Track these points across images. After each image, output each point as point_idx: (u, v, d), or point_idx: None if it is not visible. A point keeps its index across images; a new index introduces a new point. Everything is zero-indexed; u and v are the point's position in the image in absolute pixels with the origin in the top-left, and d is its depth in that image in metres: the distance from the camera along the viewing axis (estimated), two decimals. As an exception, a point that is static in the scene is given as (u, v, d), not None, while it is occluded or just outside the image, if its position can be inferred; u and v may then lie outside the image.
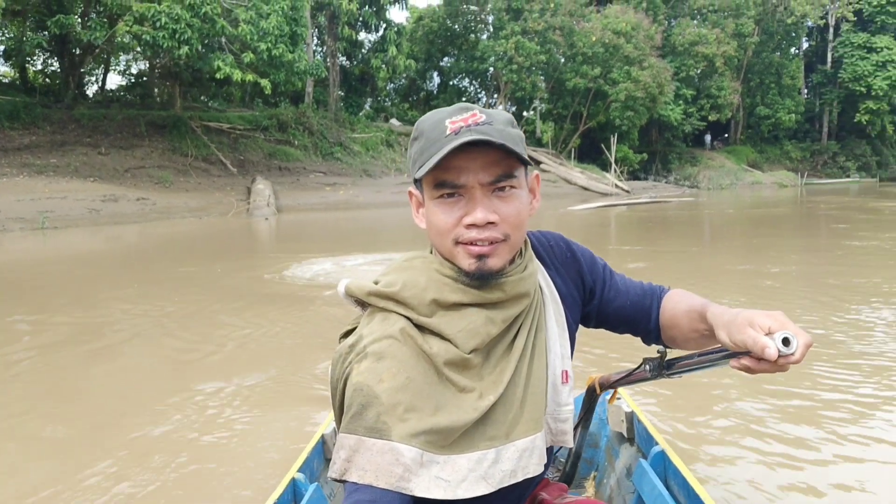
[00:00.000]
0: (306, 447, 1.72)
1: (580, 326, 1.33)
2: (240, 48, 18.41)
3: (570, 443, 1.17)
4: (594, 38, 30.09)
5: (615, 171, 31.23)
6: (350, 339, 1.07)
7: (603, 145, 32.62)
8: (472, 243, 1.04)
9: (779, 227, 13.50)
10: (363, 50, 31.18)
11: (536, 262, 1.20)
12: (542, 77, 31.10)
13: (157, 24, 16.47)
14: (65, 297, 6.32)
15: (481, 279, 1.06)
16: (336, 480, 0.97)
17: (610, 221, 15.71)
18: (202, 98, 25.73)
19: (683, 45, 34.45)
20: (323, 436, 1.78)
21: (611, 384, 1.58)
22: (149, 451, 2.70)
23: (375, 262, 7.89)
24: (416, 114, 35.16)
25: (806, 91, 46.13)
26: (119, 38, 17.21)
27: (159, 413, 3.14)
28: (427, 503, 1.00)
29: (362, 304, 1.12)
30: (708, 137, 41.59)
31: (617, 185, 28.98)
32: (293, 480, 1.52)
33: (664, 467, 1.59)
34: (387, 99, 35.34)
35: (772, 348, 0.93)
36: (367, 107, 33.23)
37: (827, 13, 40.54)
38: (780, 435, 2.78)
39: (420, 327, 1.05)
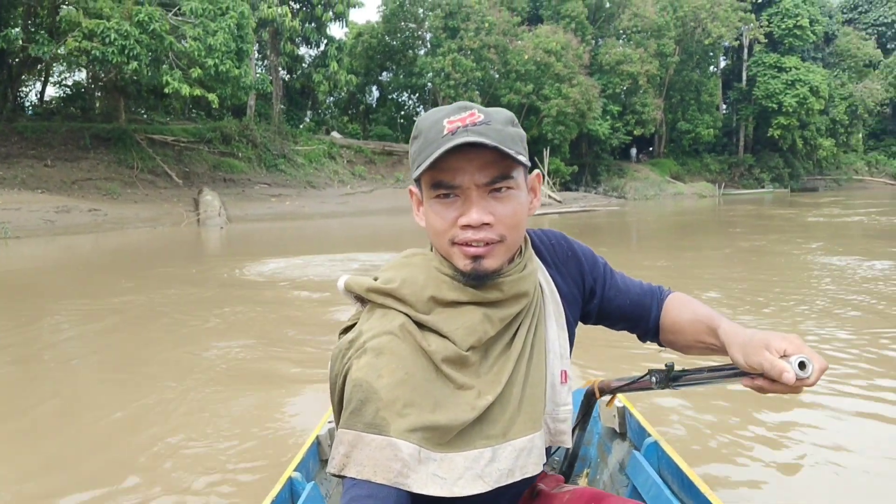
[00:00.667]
0: (302, 447, 1.73)
1: (580, 324, 1.35)
2: (187, 63, 18.94)
3: (568, 443, 1.17)
4: (526, 57, 31.65)
5: (548, 182, 32.80)
6: (350, 335, 1.07)
7: (536, 158, 34.20)
8: (467, 244, 1.04)
9: (691, 232, 15.01)
10: (304, 64, 31.90)
11: (536, 261, 1.21)
12: (477, 92, 32.41)
13: (107, 41, 16.91)
14: (86, 288, 7.01)
15: (477, 279, 1.07)
16: (335, 476, 0.98)
17: (544, 223, 16.97)
18: (142, 111, 25.94)
19: (610, 63, 36.43)
20: (318, 436, 1.77)
21: (611, 389, 1.57)
22: (133, 455, 2.73)
23: (325, 261, 8.84)
24: (356, 127, 36.07)
25: (725, 107, 49.09)
26: (68, 54, 17.45)
27: (134, 414, 3.20)
28: (424, 500, 1.01)
29: (361, 301, 1.13)
30: (634, 151, 43.88)
31: (550, 196, 30.54)
32: (290, 479, 1.53)
33: (658, 458, 1.59)
34: (327, 112, 36.03)
35: (790, 373, 0.95)
36: (307, 119, 33.86)
37: (741, 34, 43.48)
38: (768, 423, 2.95)
39: (419, 324, 1.05)
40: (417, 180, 1.09)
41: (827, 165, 50.75)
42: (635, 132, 38.32)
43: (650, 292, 1.35)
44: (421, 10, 32.09)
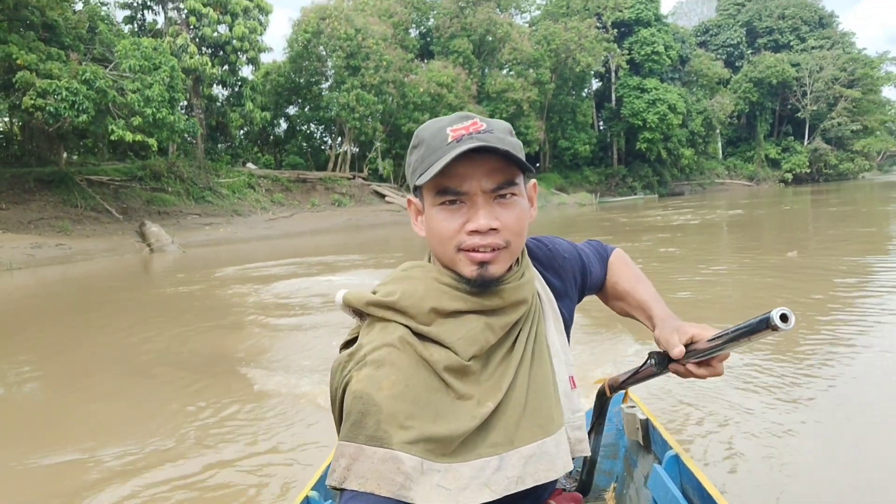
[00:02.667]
0: (320, 466, 1.74)
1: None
2: (128, 113, 21.64)
3: (586, 450, 1.15)
4: (422, 90, 35.68)
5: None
6: (351, 349, 1.08)
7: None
8: (474, 250, 1.05)
9: (567, 233, 19.23)
10: (217, 103, 34.63)
11: (533, 269, 1.22)
12: (380, 123, 36.13)
13: (59, 97, 19.47)
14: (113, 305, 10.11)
15: (482, 286, 1.07)
16: (334, 489, 0.97)
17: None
18: (75, 154, 28.03)
19: (496, 92, 41.08)
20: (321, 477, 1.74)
21: (620, 384, 1.54)
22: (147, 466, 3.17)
23: (274, 266, 12.25)
24: (269, 157, 38.98)
25: (600, 125, 55.01)
26: (24, 110, 19.81)
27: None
28: None
29: (360, 315, 1.13)
30: (521, 167, 48.80)
31: (450, 211, 34.48)
32: (307, 498, 1.55)
33: (678, 471, 1.58)
34: (240, 146, 38.72)
35: (678, 348, 1.11)
36: (223, 153, 36.49)
37: (608, 61, 49.42)
38: (788, 433, 3.02)
39: (420, 335, 1.05)
40: (417, 189, 1.12)
41: (691, 171, 57.52)
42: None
43: (600, 257, 1.44)
44: (324, 51, 35.49)
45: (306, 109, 38.62)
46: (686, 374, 1.14)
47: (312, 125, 40.87)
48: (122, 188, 25.44)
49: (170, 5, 29.62)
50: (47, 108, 19.42)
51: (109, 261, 17.66)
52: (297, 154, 39.65)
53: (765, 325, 0.94)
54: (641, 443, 1.81)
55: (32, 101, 19.30)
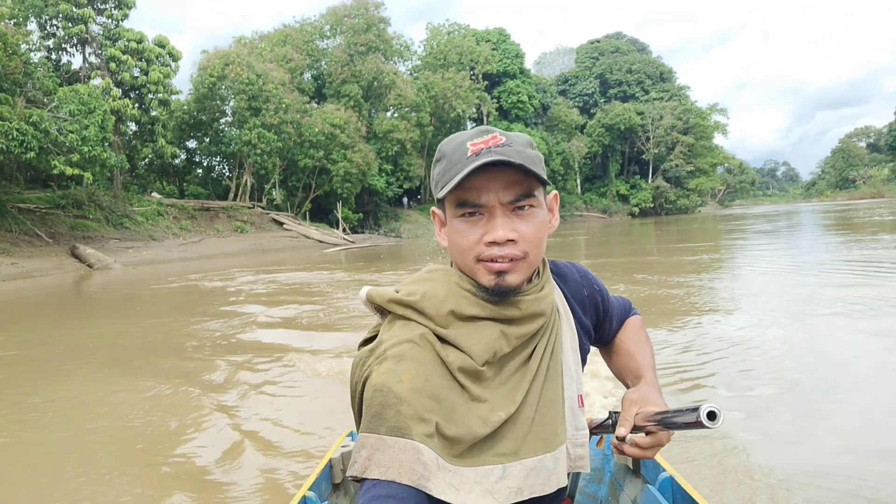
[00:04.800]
0: (316, 468, 1.76)
1: None
2: (66, 150, 24.89)
3: (587, 468, 1.16)
4: (317, 129, 40.16)
5: (342, 227, 41.48)
6: (371, 345, 1.11)
7: (332, 208, 42.76)
8: (492, 260, 1.07)
9: (434, 258, 24.39)
10: (127, 137, 37.57)
11: (554, 284, 1.24)
12: (279, 158, 40.24)
13: (10, 136, 22.60)
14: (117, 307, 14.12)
15: (499, 295, 1.10)
16: (355, 479, 0.99)
17: (341, 257, 25.49)
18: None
19: (382, 132, 46.31)
20: (331, 459, 1.81)
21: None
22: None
23: (215, 275, 16.62)
24: (173, 188, 42.03)
25: (474, 161, 61.33)
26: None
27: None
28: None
29: (381, 312, 1.17)
30: (405, 199, 54.22)
31: (344, 238, 39.15)
32: (304, 498, 1.57)
33: (672, 493, 1.57)
34: (144, 176, 41.48)
35: (622, 430, 1.17)
36: (132, 184, 39.28)
37: (480, 107, 56.07)
38: (784, 457, 3.14)
39: (438, 337, 1.08)
40: (440, 201, 1.15)
41: (553, 205, 65.15)
42: (405, 185, 48.52)
43: (622, 311, 1.47)
44: (228, 93, 39.29)
45: (208, 143, 42.09)
46: (626, 450, 1.18)
47: (214, 159, 44.26)
48: (48, 215, 28.26)
49: (88, 50, 32.74)
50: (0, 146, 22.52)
51: (66, 276, 21.02)
52: (199, 184, 42.94)
53: (693, 418, 0.96)
54: (631, 466, 1.80)
55: (-15, 140, 22.35)
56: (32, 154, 23.20)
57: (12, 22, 23.96)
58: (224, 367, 5.87)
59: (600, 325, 1.40)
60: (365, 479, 0.96)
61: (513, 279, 1.09)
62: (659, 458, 1.69)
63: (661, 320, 7.00)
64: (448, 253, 1.19)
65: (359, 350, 1.14)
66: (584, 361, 1.30)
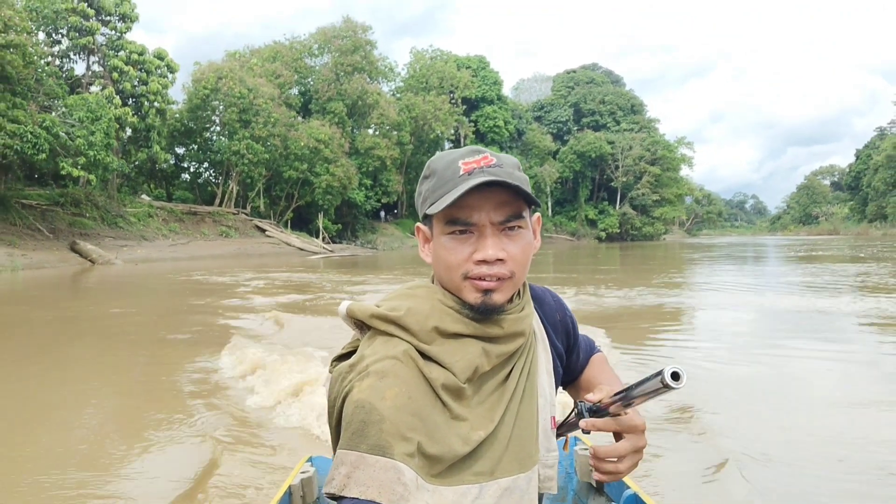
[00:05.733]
0: (275, 496, 1.74)
1: None
2: (74, 153, 27.04)
3: (554, 489, 1.18)
4: (302, 143, 42.60)
5: (322, 236, 43.82)
6: (352, 360, 1.09)
7: (312, 218, 45.11)
8: (480, 278, 1.08)
9: (402, 266, 26.91)
10: (123, 142, 39.66)
11: (532, 305, 1.26)
12: (264, 168, 42.54)
13: (24, 139, 24.73)
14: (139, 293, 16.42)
15: (484, 313, 1.10)
16: (331, 497, 0.97)
17: (321, 264, 27.89)
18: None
19: (364, 148, 48.85)
20: (290, 486, 1.78)
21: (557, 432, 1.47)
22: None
23: (252, 272, 19.00)
24: (161, 191, 44.06)
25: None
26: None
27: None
28: None
29: (360, 327, 1.15)
30: (383, 213, 56.78)
31: (323, 247, 41.48)
32: None
33: None
34: (135, 179, 43.48)
35: (594, 395, 1.15)
36: (124, 186, 41.30)
37: (458, 129, 58.95)
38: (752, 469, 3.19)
39: (420, 353, 1.07)
40: (426, 217, 1.15)
41: (523, 225, 68.11)
42: (383, 200, 51.07)
43: (587, 347, 1.48)
44: (219, 105, 41.57)
45: (196, 150, 44.27)
46: (598, 426, 1.14)
47: (201, 165, 46.43)
48: (48, 211, 30.28)
49: (92, 59, 34.93)
50: (15, 146, 24.64)
51: (71, 269, 23.16)
52: (186, 189, 45.05)
53: (658, 383, 0.95)
54: (594, 484, 1.79)
55: (3, 142, 24.47)
56: (43, 156, 25.36)
57: (26, 32, 26.04)
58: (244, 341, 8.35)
59: (570, 352, 1.40)
60: (343, 497, 0.95)
61: (498, 298, 1.09)
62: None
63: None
64: (431, 267, 1.18)
65: (332, 365, 1.14)
66: (557, 384, 1.31)
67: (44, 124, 25.32)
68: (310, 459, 2.02)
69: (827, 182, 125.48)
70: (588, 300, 11.46)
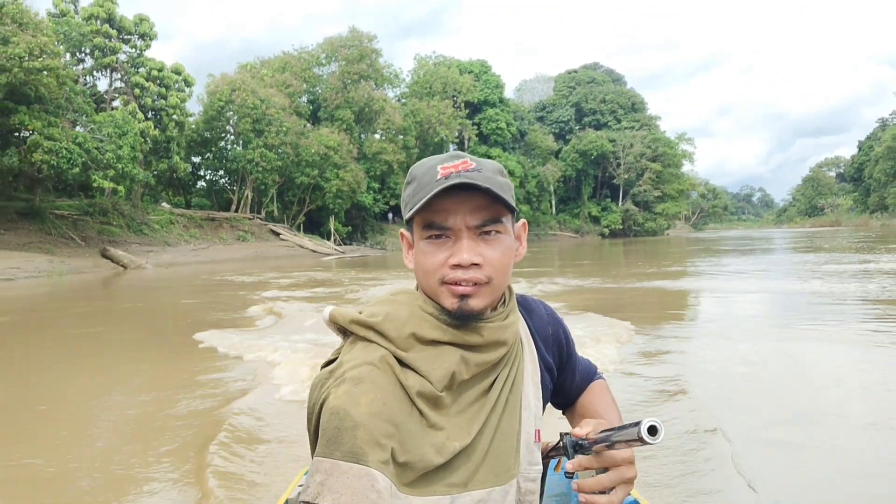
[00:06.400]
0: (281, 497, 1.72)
1: None
2: (104, 166, 29.11)
3: (536, 502, 1.17)
4: (313, 150, 44.58)
5: (334, 238, 45.84)
6: (332, 366, 1.09)
7: (324, 221, 47.15)
8: (456, 283, 1.08)
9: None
10: (144, 153, 41.81)
11: (519, 316, 1.24)
12: (277, 175, 44.56)
13: (60, 155, 26.81)
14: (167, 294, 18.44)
15: (461, 319, 1.09)
16: None
17: (334, 265, 29.86)
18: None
19: (372, 153, 50.86)
20: (288, 500, 1.77)
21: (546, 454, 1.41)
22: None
23: (237, 274, 20.97)
24: (180, 199, 46.19)
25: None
26: (31, 164, 26.92)
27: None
28: None
29: (344, 333, 1.15)
30: (390, 215, 58.70)
31: (335, 248, 43.48)
32: None
33: None
34: (155, 187, 45.55)
35: (580, 431, 1.12)
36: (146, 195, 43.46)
37: (461, 132, 60.90)
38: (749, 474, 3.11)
39: (399, 361, 1.07)
40: (408, 223, 1.15)
41: (528, 224, 70.18)
42: (391, 202, 53.02)
43: (587, 372, 1.45)
44: (234, 116, 43.65)
45: (211, 159, 46.40)
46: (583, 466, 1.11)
47: (217, 172, 48.54)
48: (79, 221, 32.38)
49: (115, 76, 37.06)
50: (51, 161, 26.73)
51: (106, 273, 25.22)
52: (203, 196, 47.19)
53: (634, 434, 0.95)
54: None
55: (41, 157, 26.57)
56: (77, 170, 27.45)
57: (58, 56, 28.12)
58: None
59: (563, 369, 1.37)
60: None
61: (476, 303, 1.08)
62: None
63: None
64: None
65: (319, 371, 1.12)
66: (546, 398, 1.28)
67: (76, 140, 27.39)
68: (307, 472, 2.10)
69: (832, 174, 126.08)
70: (596, 285, 13.33)
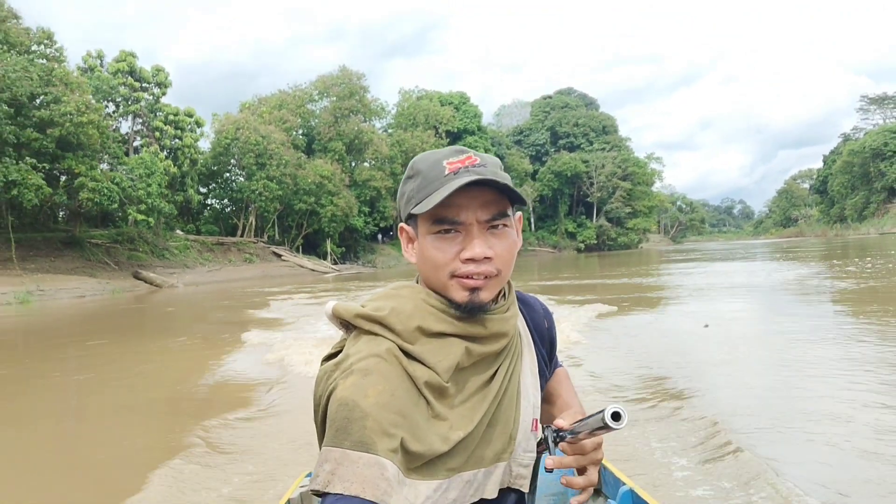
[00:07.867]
0: (286, 491, 1.76)
1: None
2: (137, 201, 34.28)
3: (525, 487, 1.19)
4: (309, 179, 49.86)
5: (330, 258, 51.10)
6: (337, 359, 1.09)
7: (320, 243, 52.46)
8: (468, 277, 1.08)
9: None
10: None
11: (518, 308, 1.26)
12: (278, 203, 49.81)
13: (102, 193, 31.98)
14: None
15: (470, 312, 1.10)
16: (316, 494, 0.97)
17: (331, 280, 35.02)
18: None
19: (362, 180, 56.29)
20: (290, 500, 1.78)
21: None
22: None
23: (257, 288, 26.18)
24: (192, 227, 51.40)
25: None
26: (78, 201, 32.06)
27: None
28: None
29: (346, 327, 1.16)
30: (380, 236, 64.10)
31: (332, 267, 48.68)
32: None
33: None
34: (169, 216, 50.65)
35: (561, 422, 1.15)
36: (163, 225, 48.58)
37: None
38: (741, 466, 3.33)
39: (405, 353, 1.07)
40: (410, 218, 1.14)
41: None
42: (381, 224, 58.51)
43: (554, 361, 1.46)
44: (238, 152, 48.97)
45: (218, 189, 51.70)
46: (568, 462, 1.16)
47: (222, 201, 53.82)
48: (111, 248, 37.50)
49: (137, 121, 42.40)
50: (95, 199, 31.90)
51: (145, 292, 30.30)
52: (211, 223, 52.43)
53: (600, 421, 0.98)
54: None
55: (87, 195, 31.74)
56: (115, 205, 32.64)
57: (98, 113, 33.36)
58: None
59: (549, 362, 1.39)
60: (327, 493, 0.94)
61: (485, 295, 1.09)
62: (617, 472, 1.77)
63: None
64: (418, 270, 1.18)
65: (322, 365, 1.13)
66: (543, 387, 1.31)
67: (114, 180, 32.62)
68: (309, 475, 2.02)
69: (806, 185, 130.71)
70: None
